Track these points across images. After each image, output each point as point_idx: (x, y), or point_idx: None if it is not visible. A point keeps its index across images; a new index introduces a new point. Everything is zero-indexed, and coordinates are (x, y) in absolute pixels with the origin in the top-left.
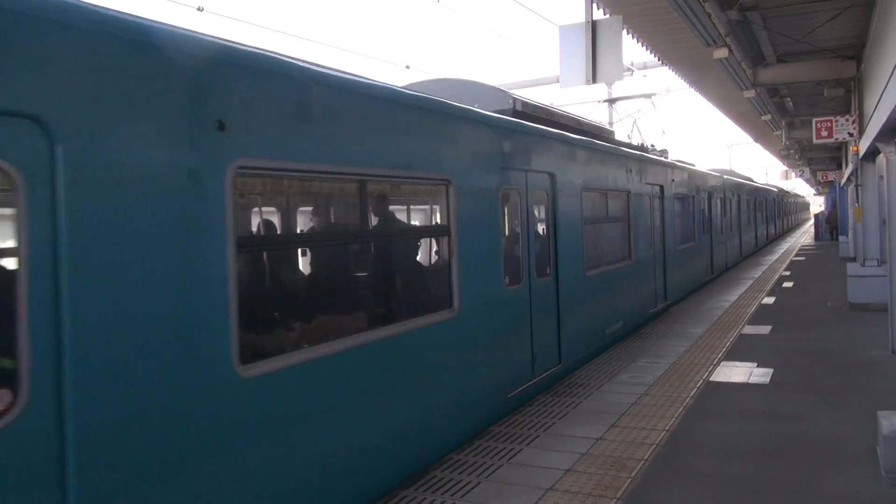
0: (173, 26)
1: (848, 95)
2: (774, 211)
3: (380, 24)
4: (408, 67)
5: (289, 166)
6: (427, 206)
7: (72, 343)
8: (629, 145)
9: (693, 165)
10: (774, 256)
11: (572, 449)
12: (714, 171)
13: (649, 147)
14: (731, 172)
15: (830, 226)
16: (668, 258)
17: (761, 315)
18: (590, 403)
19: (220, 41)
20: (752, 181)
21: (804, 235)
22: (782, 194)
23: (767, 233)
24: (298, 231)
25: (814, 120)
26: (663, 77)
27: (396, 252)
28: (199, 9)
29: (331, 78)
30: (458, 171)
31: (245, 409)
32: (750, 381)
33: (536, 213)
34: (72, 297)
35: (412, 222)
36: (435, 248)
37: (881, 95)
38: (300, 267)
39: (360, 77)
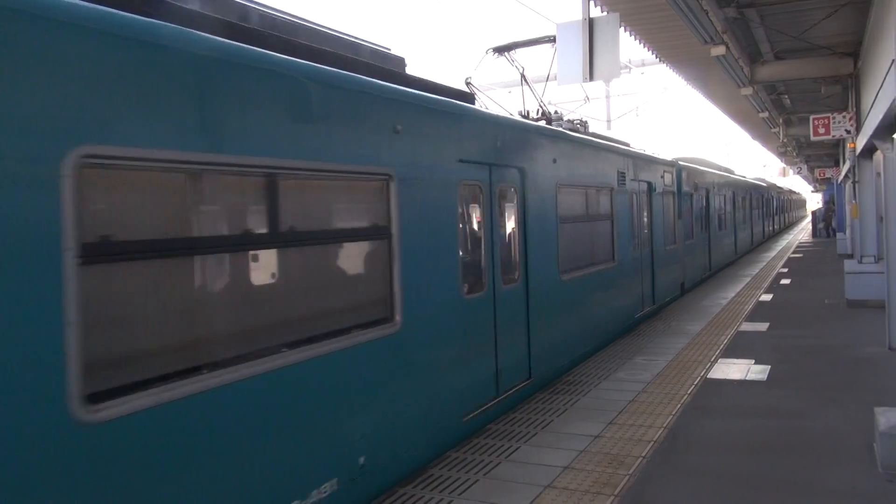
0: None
1: (845, 92)
2: (763, 209)
3: (376, 19)
4: None
5: None
6: None
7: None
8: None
9: (627, 145)
10: (772, 254)
11: (570, 446)
12: (686, 159)
13: (552, 114)
14: (700, 161)
15: (826, 223)
16: (547, 297)
17: (759, 312)
18: (588, 401)
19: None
20: (733, 173)
21: (802, 232)
22: (774, 190)
23: (753, 236)
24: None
25: (811, 117)
26: (661, 74)
27: None
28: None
29: None
30: None
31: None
32: (747, 378)
33: None
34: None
35: None
36: None
37: (878, 92)
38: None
39: None
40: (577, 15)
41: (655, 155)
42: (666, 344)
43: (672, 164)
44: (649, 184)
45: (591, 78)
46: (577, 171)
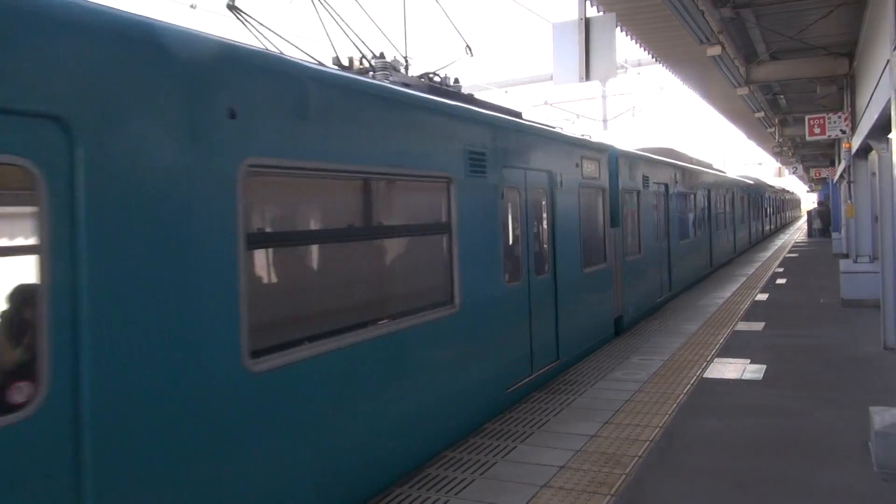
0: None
1: (840, 93)
2: (750, 210)
3: (374, 19)
4: None
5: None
6: None
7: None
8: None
9: (518, 116)
10: (768, 254)
11: (567, 446)
12: (655, 150)
13: (375, 59)
14: (663, 150)
15: (820, 222)
16: (183, 439)
17: (755, 311)
18: (584, 400)
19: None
20: (711, 167)
21: (797, 232)
22: (765, 188)
23: (736, 242)
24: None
25: (807, 117)
26: (658, 74)
27: None
28: (192, 6)
29: None
30: None
31: None
32: (743, 378)
33: None
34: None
35: None
36: None
37: (873, 92)
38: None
39: None
40: (574, 15)
41: (576, 135)
42: (662, 343)
43: (600, 148)
44: (550, 174)
45: (588, 78)
46: (320, 139)
